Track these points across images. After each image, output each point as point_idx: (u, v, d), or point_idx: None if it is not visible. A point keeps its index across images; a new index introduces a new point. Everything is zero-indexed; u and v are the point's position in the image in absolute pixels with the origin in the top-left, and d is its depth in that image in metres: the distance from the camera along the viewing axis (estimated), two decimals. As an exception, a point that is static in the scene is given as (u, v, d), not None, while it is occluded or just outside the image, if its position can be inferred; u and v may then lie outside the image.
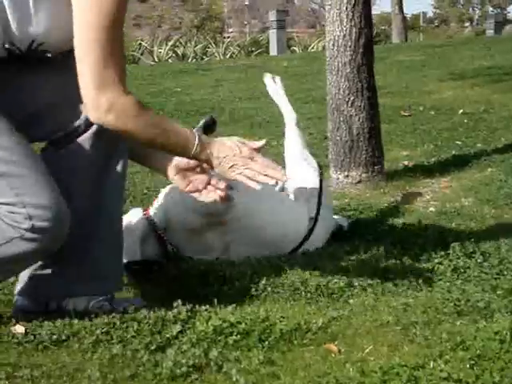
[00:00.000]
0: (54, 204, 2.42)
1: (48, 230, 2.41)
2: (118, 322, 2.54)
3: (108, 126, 2.42)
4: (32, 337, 2.45)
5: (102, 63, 2.35)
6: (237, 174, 2.57)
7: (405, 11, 22.64)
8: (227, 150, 2.57)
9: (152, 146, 2.59)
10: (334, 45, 4.85)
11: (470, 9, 49.85)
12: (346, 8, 4.75)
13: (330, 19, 4.84)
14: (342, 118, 4.91)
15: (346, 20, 4.77)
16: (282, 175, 2.57)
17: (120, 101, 2.38)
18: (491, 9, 44.50)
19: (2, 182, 2.40)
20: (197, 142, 2.53)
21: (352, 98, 4.86)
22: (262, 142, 2.63)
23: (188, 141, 2.53)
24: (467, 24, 48.22)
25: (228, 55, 19.24)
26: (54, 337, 2.45)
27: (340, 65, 4.84)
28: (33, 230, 2.40)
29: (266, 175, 2.55)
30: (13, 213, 2.40)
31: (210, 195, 2.80)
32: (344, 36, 4.79)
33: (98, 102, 2.36)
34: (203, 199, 2.82)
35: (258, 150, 2.60)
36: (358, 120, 4.89)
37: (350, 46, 4.80)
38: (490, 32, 21.63)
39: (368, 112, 4.90)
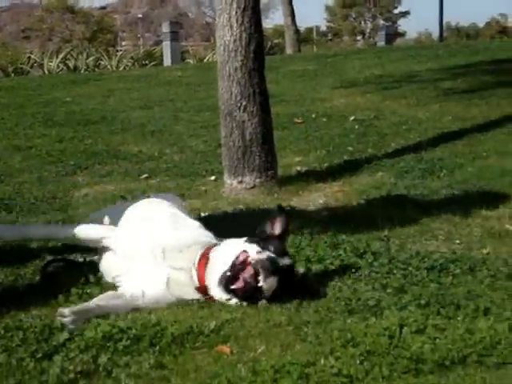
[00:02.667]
0: None
1: None
2: (2, 331, 2.45)
3: None
4: None
5: None
6: None
7: (298, 24, 22.98)
8: None
9: None
10: (224, 50, 4.84)
11: (362, 22, 51.00)
12: (236, 13, 4.76)
13: (221, 24, 4.83)
14: (234, 124, 4.90)
15: (236, 25, 4.77)
16: None
17: None
18: (382, 22, 45.65)
19: None
20: None
21: (244, 103, 4.86)
22: None
23: None
24: (359, 37, 49.34)
25: (121, 68, 19.03)
26: None
27: (231, 70, 4.83)
28: None
29: None
30: None
31: None
32: (234, 41, 4.79)
33: None
34: None
35: None
36: (251, 125, 4.89)
37: (240, 51, 4.80)
38: (381, 43, 22.15)
39: (260, 117, 4.91)
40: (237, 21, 4.77)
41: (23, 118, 8.13)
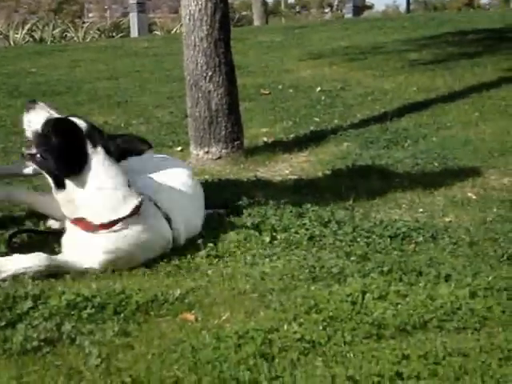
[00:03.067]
0: None
1: None
2: (-36, 301, 2.44)
3: None
4: None
5: None
6: None
7: (265, -4, 22.84)
8: None
9: None
10: (190, 19, 4.81)
11: (331, -6, 50.85)
12: (202, -18, 4.73)
13: (186, -7, 4.80)
14: (200, 94, 4.89)
15: (201, -6, 4.75)
16: None
17: None
18: (350, -6, 45.58)
19: None
20: None
21: (210, 74, 4.84)
22: None
23: None
24: (327, 10, 49.19)
25: (88, 39, 18.81)
26: None
27: (197, 40, 4.81)
28: None
29: None
30: None
31: None
32: (200, 10, 4.76)
33: None
34: None
35: None
36: (217, 96, 4.88)
37: (206, 21, 4.77)
38: (348, 16, 22.08)
39: (226, 88, 4.90)
40: (202, -10, 4.74)
41: (-13, 88, 8.02)
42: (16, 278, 2.70)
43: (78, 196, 2.88)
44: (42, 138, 2.93)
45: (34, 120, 2.98)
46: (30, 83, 8.43)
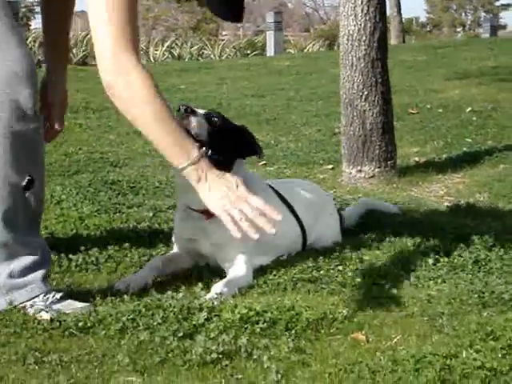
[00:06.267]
0: None
1: None
2: (143, 310, 2.52)
3: (113, 90, 2.36)
4: (58, 323, 2.43)
5: (122, 29, 2.33)
6: (223, 209, 2.35)
7: (398, 15, 22.61)
8: (225, 181, 2.39)
9: (144, 131, 2.43)
10: (348, 39, 4.84)
11: (463, 14, 49.87)
12: (362, 2, 4.74)
13: (345, 13, 4.82)
14: (355, 113, 4.89)
15: (360, 14, 4.76)
16: (271, 227, 2.31)
17: (136, 69, 2.35)
18: (484, 14, 44.49)
19: None
20: (195, 156, 2.39)
21: (366, 93, 4.84)
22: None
23: (184, 149, 2.39)
24: (459, 29, 48.29)
25: (224, 56, 19.21)
26: (80, 323, 2.43)
27: (354, 59, 4.82)
28: None
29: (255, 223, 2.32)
30: None
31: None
32: (359, 30, 4.78)
33: (115, 65, 2.33)
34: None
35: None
36: (372, 115, 4.87)
37: (364, 41, 4.79)
38: (485, 35, 21.60)
39: (381, 107, 4.88)
40: (362, 10, 4.75)
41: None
42: (190, 289, 2.77)
43: None
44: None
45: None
46: (180, 99, 8.66)
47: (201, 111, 2.97)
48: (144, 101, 2.36)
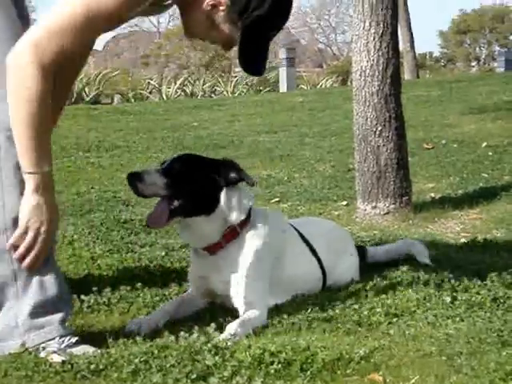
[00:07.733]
0: None
1: None
2: (156, 351, 2.48)
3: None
4: (69, 366, 2.39)
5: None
6: (26, 223, 2.43)
7: (411, 50, 22.69)
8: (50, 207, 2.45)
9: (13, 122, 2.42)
10: (361, 75, 4.83)
11: (477, 48, 50.03)
12: (374, 38, 4.74)
13: (357, 49, 4.82)
14: (369, 149, 4.87)
15: (373, 50, 4.76)
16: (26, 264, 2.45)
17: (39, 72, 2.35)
18: (498, 48, 44.60)
19: None
20: (46, 170, 2.42)
21: (380, 128, 4.82)
22: None
23: (41, 159, 2.41)
24: (474, 63, 48.39)
25: (236, 93, 19.32)
26: (92, 366, 2.39)
27: (367, 95, 4.81)
28: None
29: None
30: None
31: None
32: (371, 66, 4.77)
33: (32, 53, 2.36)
34: None
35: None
36: (386, 150, 4.85)
37: (377, 76, 4.78)
38: (500, 69, 21.61)
39: (396, 142, 4.86)
40: (374, 46, 4.75)
41: (153, 142, 8.32)
42: (203, 330, 2.73)
43: None
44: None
45: None
46: (193, 137, 8.70)
47: (153, 168, 2.94)
48: (27, 98, 2.37)
